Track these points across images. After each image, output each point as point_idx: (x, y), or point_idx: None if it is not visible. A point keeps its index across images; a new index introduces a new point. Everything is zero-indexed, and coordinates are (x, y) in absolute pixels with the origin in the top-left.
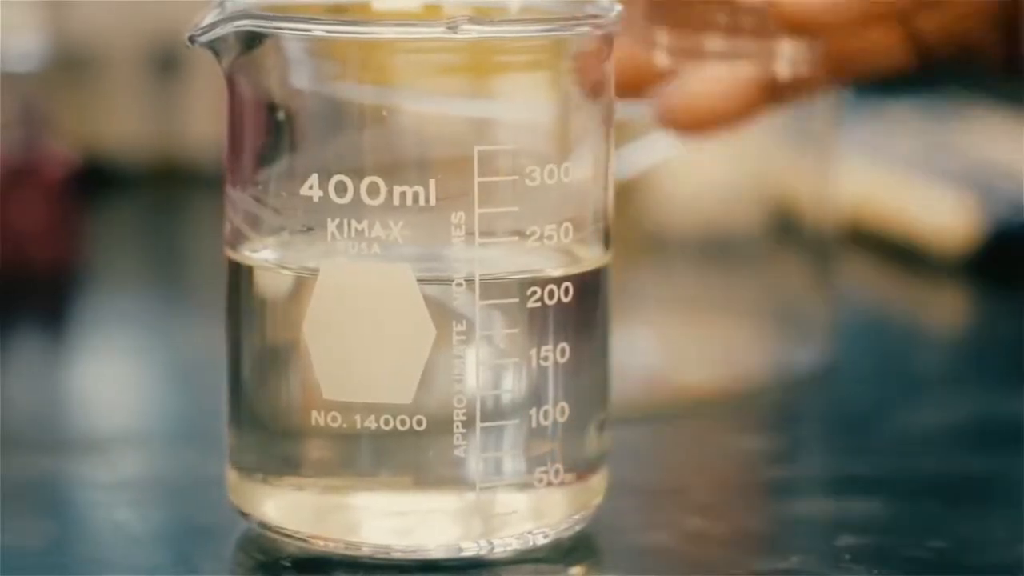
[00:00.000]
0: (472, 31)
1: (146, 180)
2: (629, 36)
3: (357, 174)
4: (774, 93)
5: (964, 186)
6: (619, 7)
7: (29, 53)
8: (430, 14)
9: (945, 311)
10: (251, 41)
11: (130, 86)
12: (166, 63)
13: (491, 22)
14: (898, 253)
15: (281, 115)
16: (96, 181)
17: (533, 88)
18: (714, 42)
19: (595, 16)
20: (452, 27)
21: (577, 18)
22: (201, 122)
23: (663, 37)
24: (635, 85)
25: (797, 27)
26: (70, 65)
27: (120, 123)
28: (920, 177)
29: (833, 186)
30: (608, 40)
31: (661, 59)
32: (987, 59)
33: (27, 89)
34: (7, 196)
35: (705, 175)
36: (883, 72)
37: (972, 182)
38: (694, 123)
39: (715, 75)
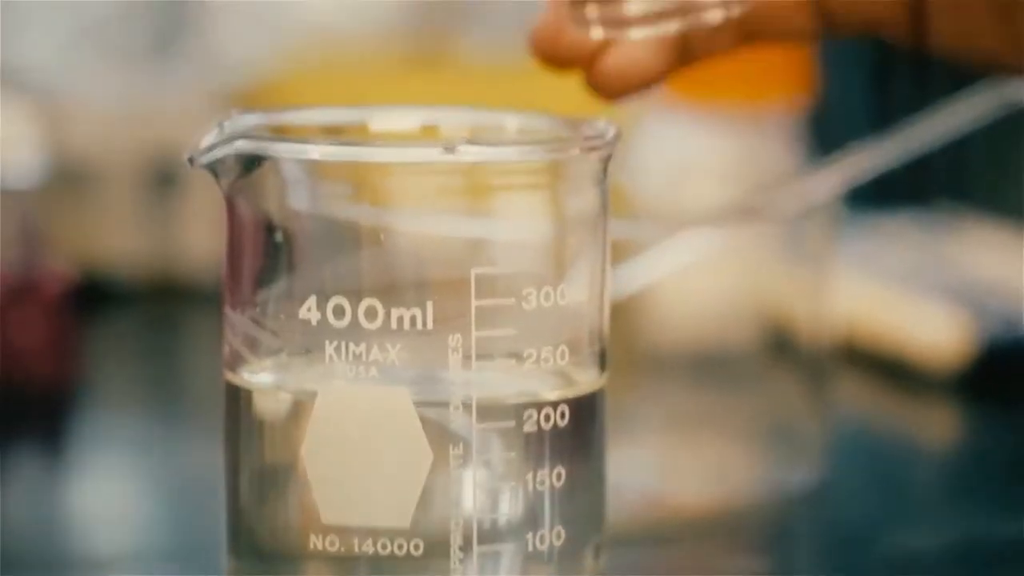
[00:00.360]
0: (469, 153)
1: (144, 296)
2: (559, 13)
3: (355, 296)
4: (690, 52)
5: (958, 301)
6: (615, 129)
7: (27, 170)
8: (427, 135)
9: (939, 428)
10: (250, 163)
11: (128, 202)
12: (163, 179)
13: (488, 144)
14: (892, 369)
15: (279, 236)
16: (94, 297)
17: (530, 210)
18: (636, 6)
19: (592, 138)
20: (449, 149)
21: (574, 141)
22: (199, 238)
23: (592, 11)
24: (567, 60)
25: None
26: (68, 181)
27: (118, 239)
28: (914, 293)
29: (828, 302)
30: (605, 162)
31: (591, 32)
32: (893, 30)
33: (25, 206)
34: (5, 313)
35: (700, 292)
36: (786, 37)
37: (966, 298)
38: (622, 86)
39: (638, 40)
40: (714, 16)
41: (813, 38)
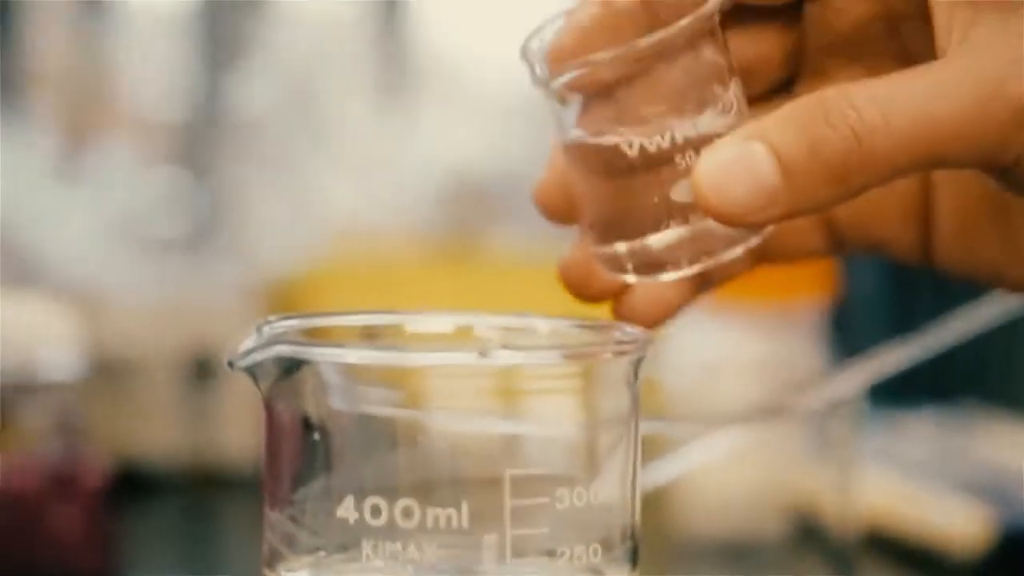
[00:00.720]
0: (503, 358)
1: (183, 488)
2: (587, 251)
3: (392, 496)
4: (710, 280)
5: (977, 492)
6: (646, 334)
7: (66, 363)
8: (462, 337)
9: None
10: (289, 367)
11: (166, 394)
12: (201, 372)
13: (521, 348)
14: (915, 558)
15: (317, 436)
16: (133, 489)
17: (562, 412)
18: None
19: (623, 342)
20: (483, 354)
21: (605, 345)
22: (236, 429)
23: (620, 250)
24: (597, 297)
25: (724, 221)
26: (107, 374)
27: (156, 431)
28: (935, 484)
29: (853, 494)
30: (636, 365)
31: (622, 276)
32: (900, 249)
33: (64, 398)
34: (46, 504)
35: (729, 484)
36: (798, 256)
37: (985, 488)
38: (650, 320)
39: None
40: (736, 253)
41: (824, 256)
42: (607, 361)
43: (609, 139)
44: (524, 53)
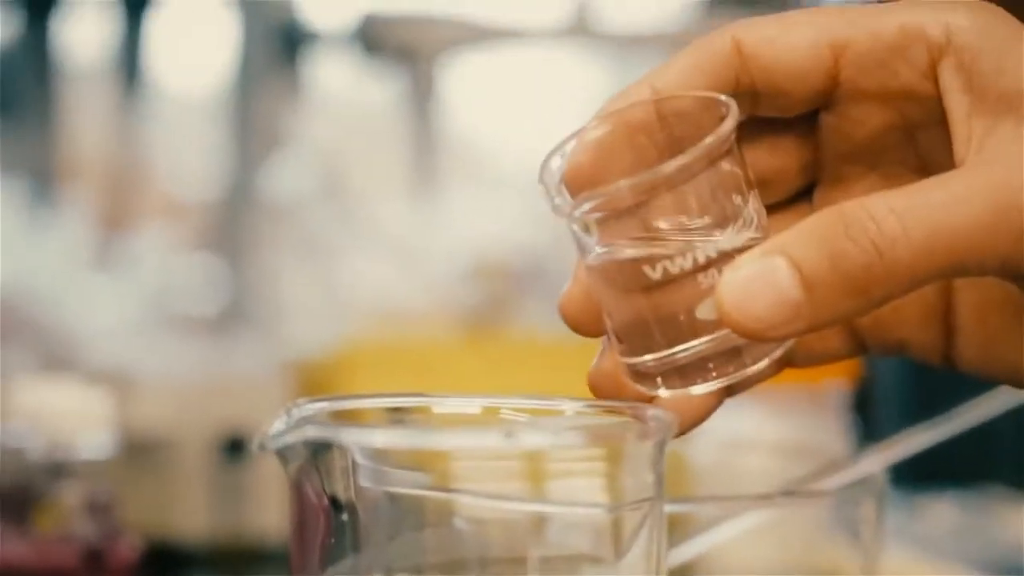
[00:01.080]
0: (529, 440)
1: (213, 564)
2: (615, 360)
3: (419, 575)
4: (735, 388)
5: (997, 571)
6: (671, 417)
7: (99, 442)
8: (488, 417)
9: None
10: (317, 448)
11: (197, 472)
12: (231, 449)
13: (546, 430)
14: None
15: (345, 516)
16: (165, 565)
17: (588, 493)
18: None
19: (648, 425)
20: (510, 435)
21: (630, 427)
22: (266, 507)
23: (648, 360)
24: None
25: (748, 337)
26: (138, 452)
27: (188, 508)
28: (958, 566)
29: (876, 574)
30: (661, 446)
31: (653, 389)
32: (922, 350)
33: (97, 477)
34: None
35: (752, 563)
36: (821, 360)
37: (1006, 570)
38: (680, 428)
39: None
40: (762, 365)
41: (845, 359)
42: (632, 443)
43: (631, 257)
44: (542, 176)
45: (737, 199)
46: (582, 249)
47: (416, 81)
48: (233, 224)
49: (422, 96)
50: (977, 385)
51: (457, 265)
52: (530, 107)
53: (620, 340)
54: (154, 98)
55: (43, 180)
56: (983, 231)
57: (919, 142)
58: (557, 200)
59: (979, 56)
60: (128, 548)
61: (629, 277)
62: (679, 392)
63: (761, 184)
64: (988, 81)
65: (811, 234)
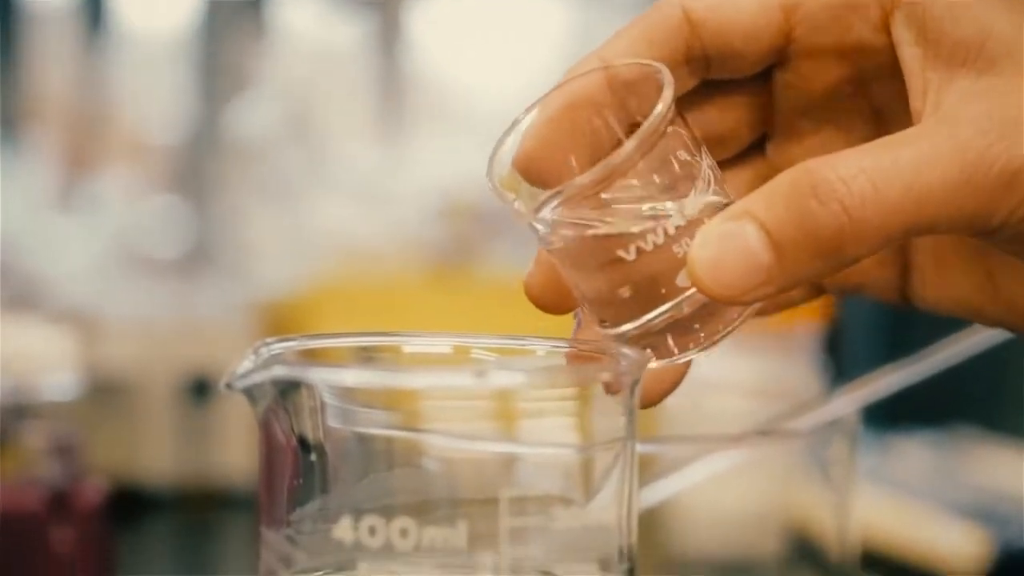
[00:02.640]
0: (499, 379)
1: (180, 506)
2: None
3: (388, 516)
4: None
5: (972, 514)
6: (643, 356)
7: (64, 384)
8: (459, 356)
9: None
10: (286, 387)
11: (163, 414)
12: (197, 391)
13: (517, 369)
14: None
15: (314, 457)
16: (130, 508)
17: (558, 432)
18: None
19: (619, 362)
20: (480, 375)
21: (602, 366)
22: (233, 449)
23: (628, 328)
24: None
25: (722, 302)
26: (104, 395)
27: (154, 451)
28: (930, 506)
29: (848, 515)
30: (632, 386)
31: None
32: (878, 290)
33: (62, 419)
34: (44, 524)
35: (724, 503)
36: (782, 307)
37: (979, 510)
38: (656, 396)
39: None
40: (737, 325)
41: (805, 303)
42: (603, 382)
43: (599, 240)
44: (491, 172)
45: (691, 160)
46: (542, 240)
47: (383, 21)
48: (199, 165)
49: (389, 36)
50: (949, 325)
51: (424, 206)
52: (498, 48)
53: (596, 313)
54: (119, 39)
55: (7, 122)
56: (952, 191)
57: (873, 94)
58: (516, 206)
59: (930, 8)
60: (93, 491)
61: (599, 257)
62: (665, 361)
63: (714, 142)
64: (940, 33)
65: (778, 197)
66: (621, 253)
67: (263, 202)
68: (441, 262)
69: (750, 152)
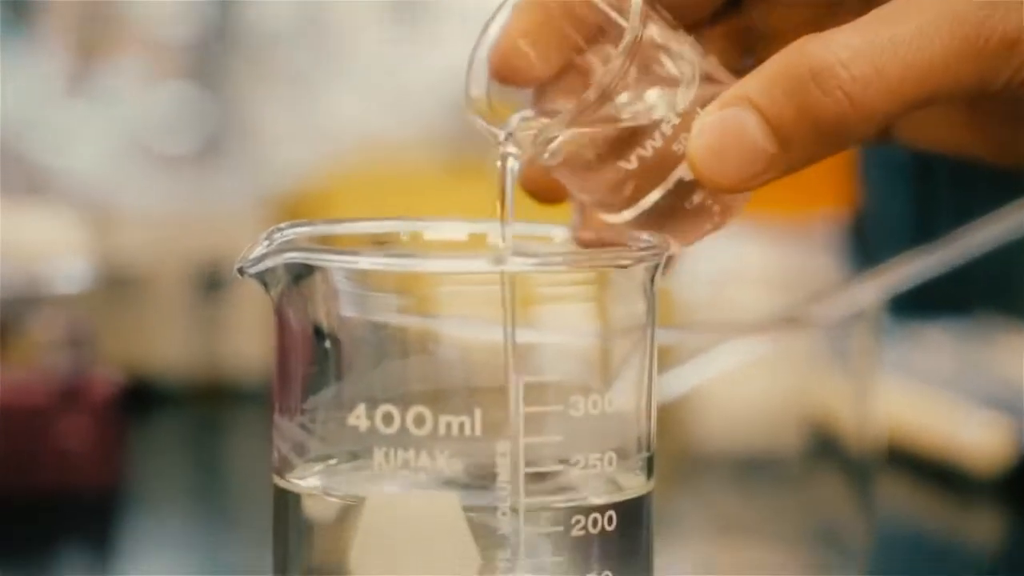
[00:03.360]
0: (515, 265)
1: (192, 399)
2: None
3: (404, 404)
4: None
5: (999, 406)
6: (663, 241)
7: (75, 275)
8: (476, 244)
9: (983, 530)
10: (300, 273)
11: (175, 307)
12: (210, 284)
13: (534, 255)
14: (936, 472)
15: (328, 344)
16: (142, 401)
17: (577, 319)
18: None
19: (639, 249)
20: (498, 260)
21: (621, 252)
22: (245, 342)
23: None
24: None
25: (724, 192)
26: (116, 286)
27: (166, 343)
28: (956, 398)
29: (872, 407)
30: (652, 272)
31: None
32: None
33: (73, 311)
34: (54, 417)
35: (745, 397)
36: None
37: (1006, 402)
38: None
39: None
40: (741, 206)
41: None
42: (623, 268)
43: (597, 148)
44: (470, 96)
45: (675, 47)
46: (533, 160)
47: None
48: (213, 56)
49: None
50: (974, 213)
51: (441, 97)
52: None
53: (599, 204)
54: None
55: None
56: (951, 64)
57: None
58: (509, 148)
59: None
60: (104, 384)
61: (599, 161)
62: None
63: (687, 8)
64: None
65: (776, 83)
66: (622, 164)
67: (277, 93)
68: (457, 153)
69: (726, 12)
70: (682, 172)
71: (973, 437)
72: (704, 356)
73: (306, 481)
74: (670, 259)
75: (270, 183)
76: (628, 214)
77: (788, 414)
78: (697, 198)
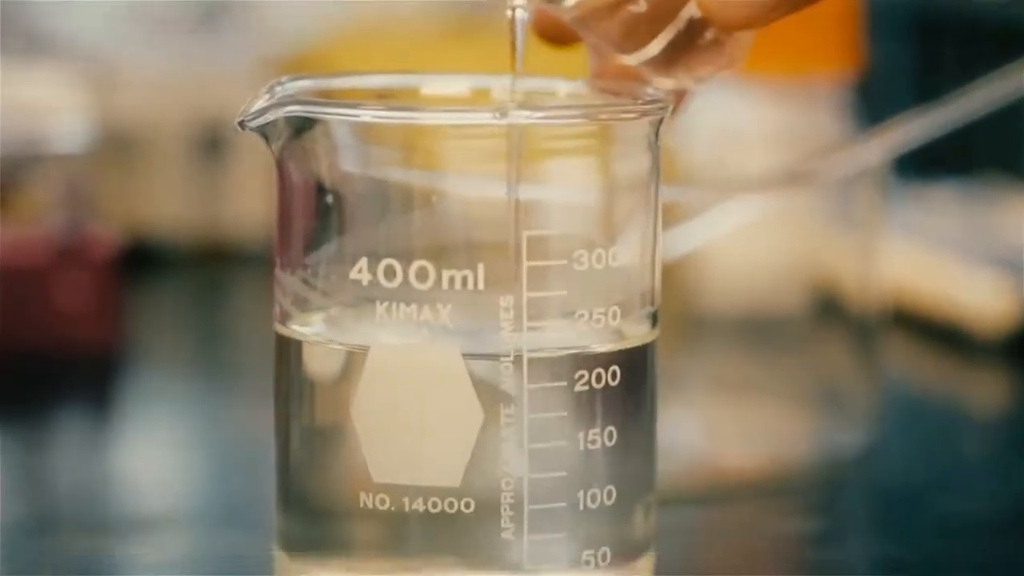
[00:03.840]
0: (520, 117)
1: (191, 260)
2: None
3: (406, 258)
4: None
5: (1004, 267)
6: (669, 95)
7: (75, 135)
8: (479, 98)
9: (988, 392)
10: (301, 126)
11: (176, 166)
12: (211, 144)
13: (539, 108)
14: (940, 333)
15: (330, 199)
16: (141, 262)
17: (581, 173)
18: None
19: (644, 103)
20: (501, 113)
21: (625, 105)
22: (246, 202)
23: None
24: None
25: (738, 29)
26: (116, 146)
27: (166, 203)
28: (961, 258)
29: (876, 267)
30: (657, 126)
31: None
32: None
33: (73, 170)
34: (53, 276)
35: (750, 256)
36: None
37: (1012, 263)
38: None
39: None
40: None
41: None
42: (627, 121)
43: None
44: None
45: None
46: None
47: None
48: None
49: None
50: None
51: None
52: None
53: (613, 47)
54: None
55: None
56: None
57: None
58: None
59: None
60: (104, 243)
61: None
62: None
63: None
64: None
65: None
66: (632, 7)
67: None
68: (458, 14)
69: None
70: (692, 11)
71: (978, 298)
72: (708, 215)
73: (308, 328)
74: (682, 96)
75: (271, 44)
76: (642, 54)
77: (792, 273)
78: (709, 35)
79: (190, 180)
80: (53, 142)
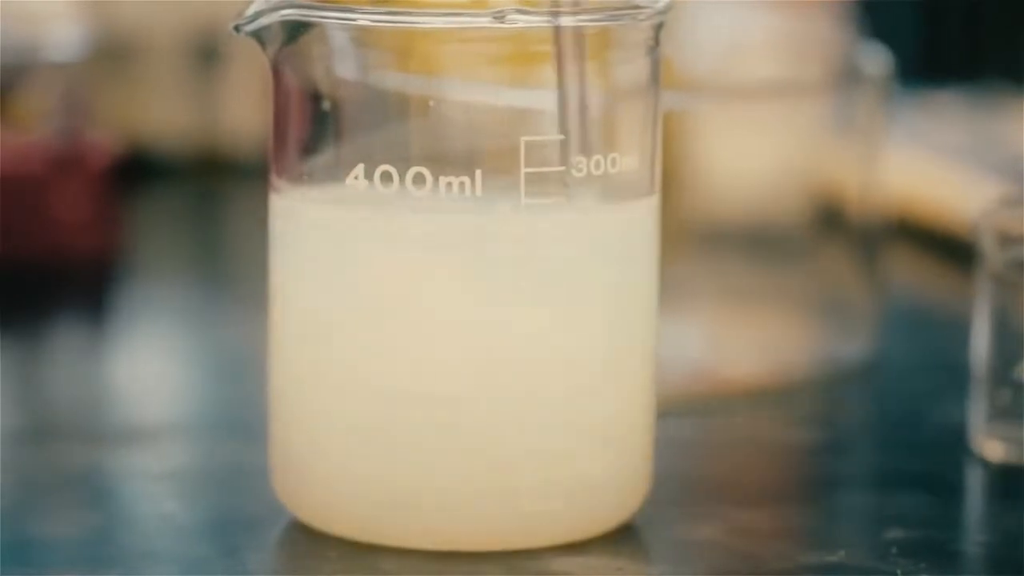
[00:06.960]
0: (518, 20)
1: (187, 170)
2: None
3: (403, 164)
4: None
5: (1007, 175)
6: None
7: (72, 43)
8: (476, 4)
9: None
10: (296, 30)
11: (172, 76)
12: (208, 53)
13: (537, 12)
14: (943, 244)
15: (327, 105)
16: (138, 171)
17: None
18: None
19: (643, 6)
20: (499, 17)
21: (625, 8)
22: (242, 112)
23: None
24: None
25: None
26: (112, 55)
27: (162, 113)
28: (964, 167)
29: (879, 177)
30: (657, 30)
31: None
32: None
33: (69, 79)
34: (49, 186)
35: (751, 167)
36: None
37: (1015, 172)
38: None
39: None
40: None
41: None
42: (626, 25)
43: None
44: None
45: None
46: None
47: None
48: None
49: None
50: None
51: None
52: None
53: None
54: None
55: None
56: None
57: None
58: None
59: None
60: (101, 152)
61: None
62: None
63: None
64: None
65: None
66: None
67: None
68: None
69: None
70: None
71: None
72: (710, 124)
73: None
74: None
75: None
76: None
77: (795, 184)
78: None
79: (187, 88)
80: (50, 50)
